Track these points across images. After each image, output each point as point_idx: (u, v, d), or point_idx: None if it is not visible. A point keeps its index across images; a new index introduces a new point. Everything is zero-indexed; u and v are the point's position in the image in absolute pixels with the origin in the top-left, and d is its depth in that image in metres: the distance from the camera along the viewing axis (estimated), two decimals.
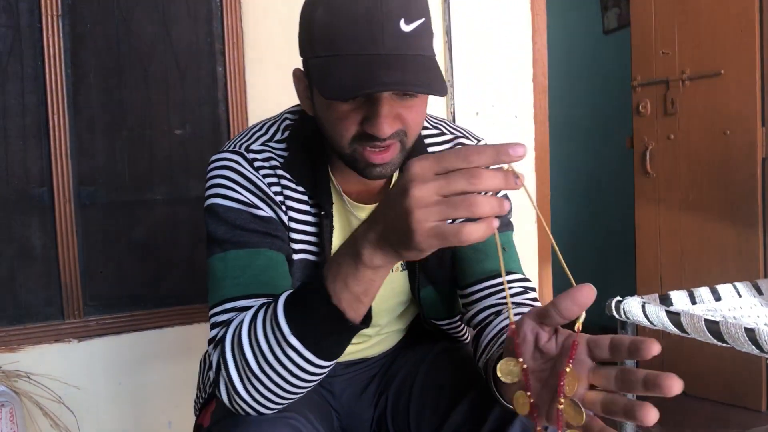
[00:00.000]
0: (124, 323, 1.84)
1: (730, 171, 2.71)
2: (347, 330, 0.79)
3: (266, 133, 1.02)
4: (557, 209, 2.69)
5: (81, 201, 1.82)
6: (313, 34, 0.88)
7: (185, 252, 1.92)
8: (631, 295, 1.57)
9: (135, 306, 1.87)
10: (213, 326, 0.91)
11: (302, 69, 0.96)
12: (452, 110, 2.24)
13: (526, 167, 2.37)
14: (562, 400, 0.67)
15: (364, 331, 1.14)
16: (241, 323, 0.85)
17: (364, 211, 1.04)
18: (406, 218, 0.63)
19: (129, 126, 1.87)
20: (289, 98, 1.06)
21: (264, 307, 0.84)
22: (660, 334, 3.29)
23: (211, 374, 0.87)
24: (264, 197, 0.97)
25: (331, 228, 1.01)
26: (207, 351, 0.93)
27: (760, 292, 1.67)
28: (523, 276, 1.07)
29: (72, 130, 1.81)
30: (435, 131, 1.09)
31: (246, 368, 0.82)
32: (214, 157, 1.00)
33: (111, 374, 1.81)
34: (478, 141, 1.09)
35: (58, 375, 1.76)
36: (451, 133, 1.08)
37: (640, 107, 2.95)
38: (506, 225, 1.09)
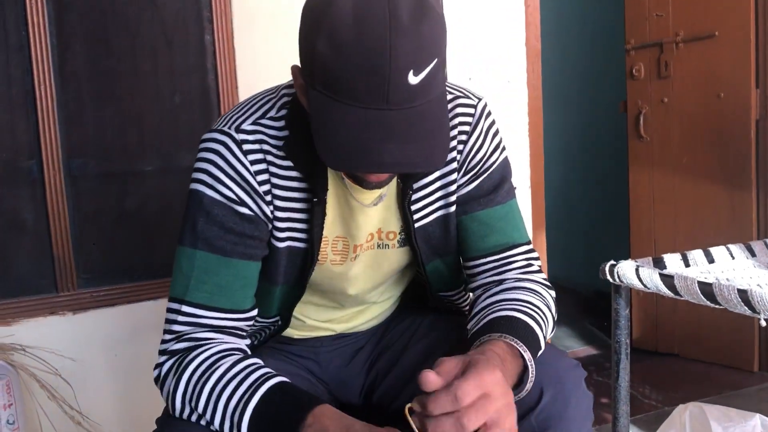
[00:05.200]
0: (118, 295, 1.84)
1: (723, 134, 2.70)
2: None
3: (259, 110, 0.98)
4: (551, 174, 2.69)
5: (71, 173, 1.81)
6: (313, 65, 0.83)
7: (177, 223, 1.90)
8: (625, 258, 1.57)
9: (128, 278, 1.86)
10: (169, 322, 0.96)
11: (300, 68, 0.90)
12: (445, 75, 2.22)
13: (520, 133, 2.35)
14: None
15: (354, 308, 1.14)
16: (201, 386, 0.90)
17: (362, 194, 1.01)
18: None
19: (117, 96, 1.84)
20: (280, 65, 1.04)
21: (230, 392, 0.89)
22: (654, 297, 3.31)
23: (156, 383, 0.96)
24: (249, 190, 0.96)
25: (323, 215, 0.99)
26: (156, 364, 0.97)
27: (753, 254, 1.67)
28: (526, 246, 1.08)
29: (59, 101, 1.78)
30: None
31: (195, 413, 0.91)
32: (205, 136, 0.98)
33: (106, 346, 1.81)
34: (479, 99, 1.05)
35: (54, 347, 1.76)
36: (451, 93, 1.05)
37: (634, 71, 2.93)
38: (508, 192, 1.08)
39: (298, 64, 0.91)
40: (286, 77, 1.01)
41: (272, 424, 0.86)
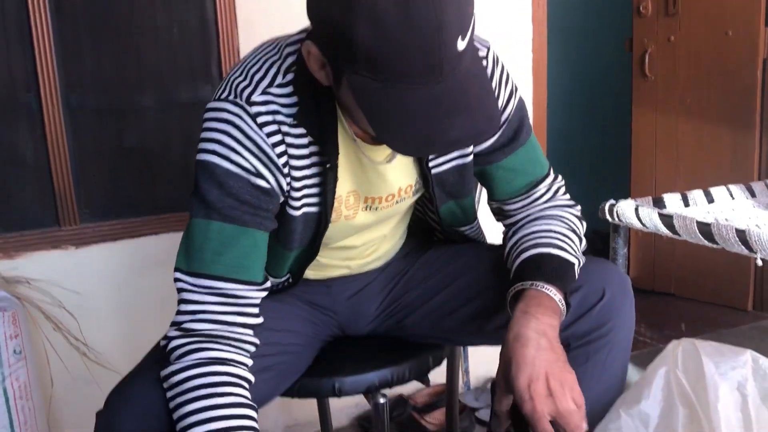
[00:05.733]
0: (121, 230, 1.85)
1: (730, 73, 2.67)
2: None
3: (265, 75, 0.93)
4: (554, 112, 2.66)
5: (69, 106, 1.79)
6: (353, 50, 0.78)
7: (178, 158, 1.90)
8: (625, 198, 1.58)
9: (130, 212, 1.87)
10: (182, 291, 0.94)
11: (316, 46, 0.86)
12: None
13: (524, 70, 2.32)
14: None
15: (366, 245, 1.15)
16: (185, 402, 0.88)
17: (373, 151, 1.00)
18: None
19: (114, 28, 1.81)
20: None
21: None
22: (652, 237, 3.34)
23: (166, 351, 0.93)
24: (268, 163, 0.93)
25: (335, 179, 0.98)
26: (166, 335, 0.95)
27: (753, 194, 1.68)
28: (549, 177, 1.13)
29: (56, 33, 1.75)
30: None
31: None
32: (213, 104, 0.93)
33: (110, 280, 1.84)
34: (487, 48, 1.03)
35: (58, 281, 1.78)
36: None
37: (641, 7, 2.87)
38: (527, 132, 1.09)
39: (304, 39, 0.88)
40: (286, 11, 0.97)
41: None
